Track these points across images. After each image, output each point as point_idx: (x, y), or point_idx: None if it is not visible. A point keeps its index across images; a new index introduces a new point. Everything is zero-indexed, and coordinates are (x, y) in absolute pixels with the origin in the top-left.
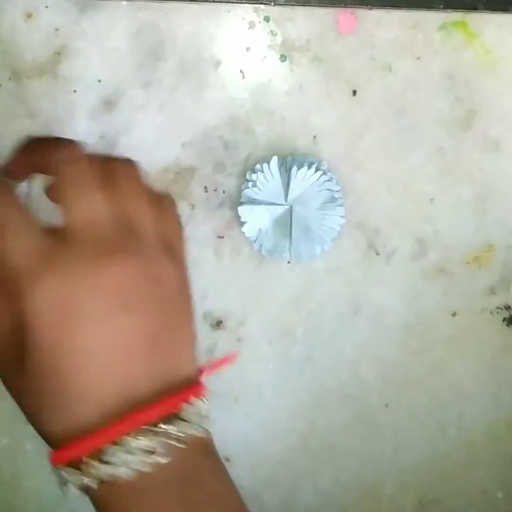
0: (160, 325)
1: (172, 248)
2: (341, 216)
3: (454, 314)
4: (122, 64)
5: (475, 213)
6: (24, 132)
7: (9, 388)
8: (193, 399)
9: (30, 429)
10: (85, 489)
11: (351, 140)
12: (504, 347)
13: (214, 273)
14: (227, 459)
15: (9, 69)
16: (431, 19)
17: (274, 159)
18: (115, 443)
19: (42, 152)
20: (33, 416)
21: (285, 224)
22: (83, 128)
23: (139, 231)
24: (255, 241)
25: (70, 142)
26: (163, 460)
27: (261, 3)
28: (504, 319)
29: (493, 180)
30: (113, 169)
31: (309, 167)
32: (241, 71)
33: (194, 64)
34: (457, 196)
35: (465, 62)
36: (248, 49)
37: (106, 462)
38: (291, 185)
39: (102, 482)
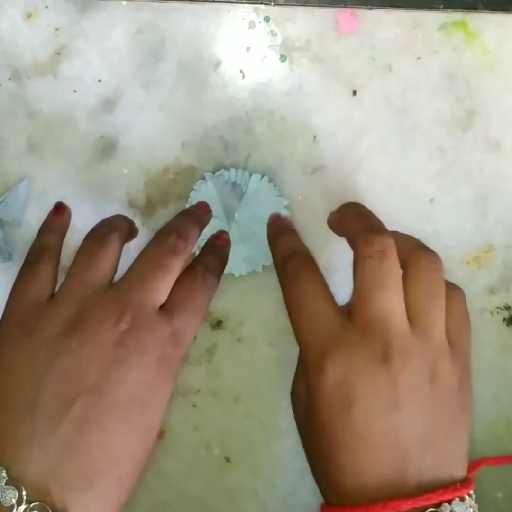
0: (432, 422)
1: (457, 343)
2: None
3: None
4: (122, 64)
5: (475, 213)
6: (24, 132)
7: (328, 434)
8: (455, 500)
9: None
10: None
11: (351, 140)
12: (504, 347)
13: None
14: (227, 459)
15: (9, 69)
16: (431, 19)
17: (225, 173)
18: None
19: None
20: (338, 463)
21: None
22: (83, 128)
23: (426, 327)
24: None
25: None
26: None
27: (261, 3)
28: (504, 319)
29: (493, 180)
30: (415, 261)
31: (262, 179)
32: (241, 71)
33: (194, 64)
34: (457, 196)
35: (465, 62)
36: (248, 49)
37: None
38: (243, 204)
39: None
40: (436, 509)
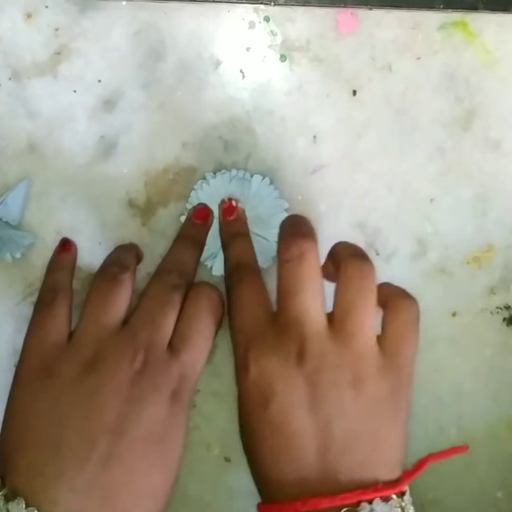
0: (352, 427)
1: (394, 353)
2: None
3: (454, 314)
4: (122, 64)
5: (475, 213)
6: (24, 132)
7: (251, 429)
8: (376, 500)
9: None
10: None
11: (351, 140)
12: (504, 347)
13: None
14: (227, 459)
15: (9, 69)
16: (431, 19)
17: (226, 173)
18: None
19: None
20: (261, 459)
21: (219, 238)
22: (83, 128)
23: (349, 334)
24: None
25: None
26: None
27: (261, 3)
28: (504, 319)
29: (493, 180)
30: (343, 269)
31: (263, 180)
32: (241, 71)
33: (194, 64)
34: (457, 196)
35: (465, 62)
36: (248, 49)
37: None
38: (243, 204)
39: None
40: (354, 509)
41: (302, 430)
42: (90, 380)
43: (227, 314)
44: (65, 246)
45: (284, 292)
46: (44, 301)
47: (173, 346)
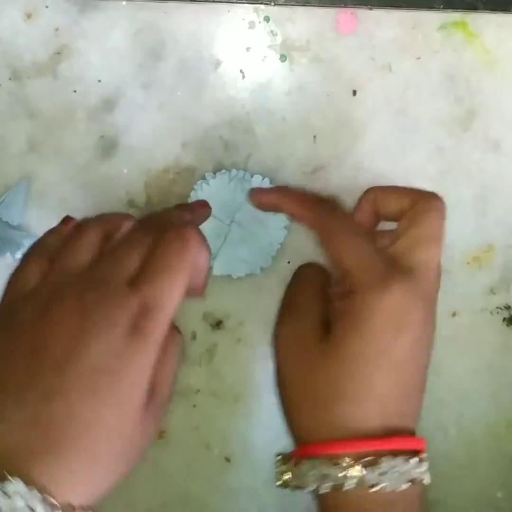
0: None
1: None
2: (284, 227)
3: (454, 314)
4: (122, 64)
5: (475, 213)
6: (24, 132)
7: (296, 364)
8: (424, 455)
9: None
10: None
11: (351, 140)
12: (504, 347)
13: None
14: (227, 459)
15: (9, 69)
16: (431, 19)
17: (226, 173)
18: (383, 455)
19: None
20: (312, 401)
21: (220, 237)
22: (83, 128)
23: None
24: None
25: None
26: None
27: (261, 3)
28: (504, 319)
29: (493, 180)
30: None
31: (263, 180)
32: (241, 71)
33: (194, 64)
34: (457, 196)
35: (465, 62)
36: (248, 49)
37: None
38: (243, 205)
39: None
40: (376, 460)
41: (420, 367)
42: (42, 318)
43: (325, 237)
44: (65, 221)
45: (422, 237)
46: (24, 256)
47: (135, 281)
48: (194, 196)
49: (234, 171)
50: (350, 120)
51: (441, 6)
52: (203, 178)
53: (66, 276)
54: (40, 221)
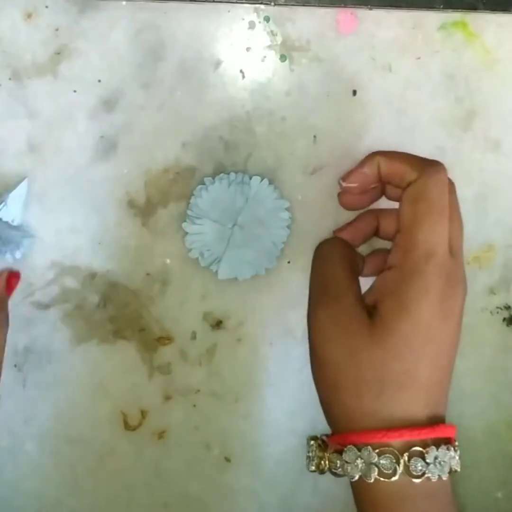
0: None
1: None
2: (287, 226)
3: None
4: (122, 64)
5: (475, 213)
6: (24, 132)
7: (338, 351)
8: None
9: (30, 429)
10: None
11: (351, 140)
12: (504, 347)
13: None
14: (227, 459)
15: (9, 69)
16: (431, 19)
17: (225, 177)
18: (428, 445)
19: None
20: (359, 388)
21: (223, 241)
22: (83, 128)
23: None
24: (193, 249)
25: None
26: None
27: (261, 3)
28: (504, 319)
29: (493, 180)
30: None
31: (261, 182)
32: (241, 71)
33: (194, 64)
34: (457, 196)
35: (465, 62)
36: (248, 49)
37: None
38: (244, 208)
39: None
40: (423, 450)
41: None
42: None
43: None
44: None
45: (426, 213)
46: None
47: None
48: (194, 203)
49: (232, 175)
50: (350, 120)
51: (441, 6)
52: (202, 183)
53: None
54: (40, 221)
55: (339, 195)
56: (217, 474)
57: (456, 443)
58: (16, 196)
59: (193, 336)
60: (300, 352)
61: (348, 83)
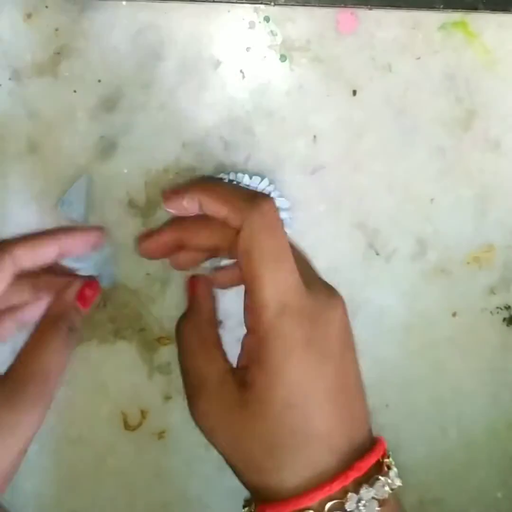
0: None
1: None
2: (287, 226)
3: (454, 314)
4: (122, 64)
5: (475, 213)
6: (24, 132)
7: (224, 435)
8: (387, 460)
9: None
10: None
11: (351, 140)
12: (504, 347)
13: None
14: None
15: (9, 69)
16: (431, 19)
17: (224, 177)
18: (349, 491)
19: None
20: (255, 464)
21: None
22: (83, 128)
23: None
24: None
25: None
26: None
27: (261, 3)
28: (504, 319)
29: (493, 180)
30: None
31: (261, 182)
32: (241, 71)
33: (194, 64)
34: (457, 196)
35: (465, 62)
36: (248, 49)
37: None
38: None
39: None
40: (341, 500)
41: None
42: None
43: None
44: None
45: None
46: None
47: None
48: None
49: (232, 175)
50: (350, 120)
51: (441, 6)
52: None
53: None
54: (40, 221)
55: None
56: (217, 474)
57: (388, 459)
58: (77, 193)
59: None
60: None
61: (348, 83)
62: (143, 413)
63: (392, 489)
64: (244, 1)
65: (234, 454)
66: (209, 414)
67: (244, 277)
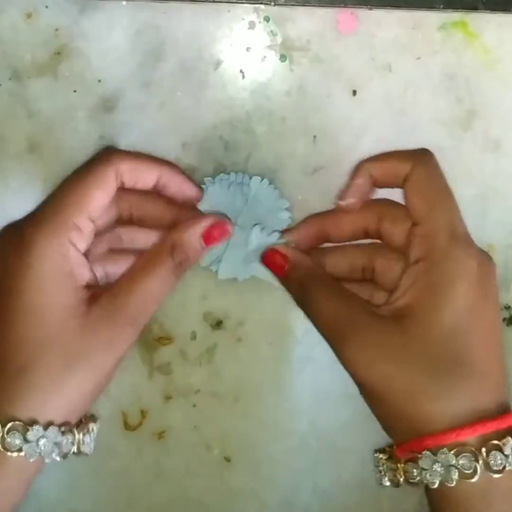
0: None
1: None
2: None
3: None
4: (122, 64)
5: (475, 213)
6: (24, 132)
7: (385, 366)
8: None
9: None
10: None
11: (351, 140)
12: (504, 347)
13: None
14: (227, 459)
15: (9, 69)
16: (431, 19)
17: (225, 178)
18: (502, 436)
19: None
20: (416, 391)
21: (223, 243)
22: (83, 128)
23: None
24: None
25: None
26: None
27: (261, 3)
28: (504, 319)
29: (493, 180)
30: None
31: (261, 182)
32: (241, 71)
33: (194, 64)
34: (457, 196)
35: (465, 62)
36: (248, 49)
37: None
38: (244, 208)
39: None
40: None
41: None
42: None
43: None
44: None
45: (436, 200)
46: None
47: None
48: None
49: (232, 175)
50: (350, 120)
51: (441, 6)
52: (202, 183)
53: None
54: None
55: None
56: (217, 474)
57: None
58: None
59: (193, 336)
60: (300, 352)
61: (348, 83)
62: (143, 413)
63: None
64: (244, 1)
65: (393, 385)
66: (367, 347)
67: (417, 211)
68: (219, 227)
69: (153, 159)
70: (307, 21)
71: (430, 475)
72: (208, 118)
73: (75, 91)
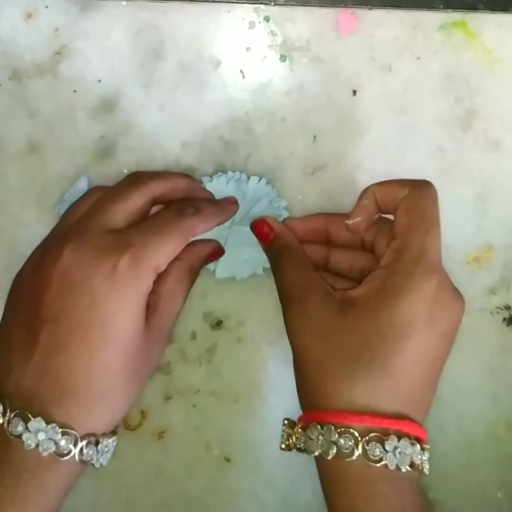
0: None
1: None
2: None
3: None
4: (122, 64)
5: (475, 213)
6: (24, 132)
7: (322, 333)
8: (426, 445)
9: None
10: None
11: (351, 140)
12: (504, 347)
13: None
14: (227, 459)
15: (9, 69)
16: (431, 19)
17: (222, 175)
18: (389, 435)
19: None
20: (344, 363)
21: (221, 240)
22: (83, 128)
23: None
24: None
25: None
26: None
27: (261, 3)
28: (504, 319)
29: (493, 180)
30: None
31: (259, 181)
32: (241, 71)
33: (194, 64)
34: (457, 196)
35: (465, 62)
36: (248, 49)
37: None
38: (242, 206)
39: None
40: (383, 438)
41: None
42: (32, 276)
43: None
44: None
45: (420, 223)
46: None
47: (120, 230)
48: None
49: (230, 173)
50: (350, 120)
51: (441, 6)
52: (201, 182)
53: (63, 227)
54: (39, 221)
55: None
56: (217, 474)
57: (427, 446)
58: (77, 193)
59: (193, 336)
60: None
61: (348, 83)
62: (143, 413)
63: (421, 467)
64: (244, 1)
65: (311, 355)
66: (305, 316)
67: (399, 227)
68: (214, 254)
69: (176, 176)
70: (307, 21)
71: (312, 445)
72: (208, 118)
73: (75, 91)
